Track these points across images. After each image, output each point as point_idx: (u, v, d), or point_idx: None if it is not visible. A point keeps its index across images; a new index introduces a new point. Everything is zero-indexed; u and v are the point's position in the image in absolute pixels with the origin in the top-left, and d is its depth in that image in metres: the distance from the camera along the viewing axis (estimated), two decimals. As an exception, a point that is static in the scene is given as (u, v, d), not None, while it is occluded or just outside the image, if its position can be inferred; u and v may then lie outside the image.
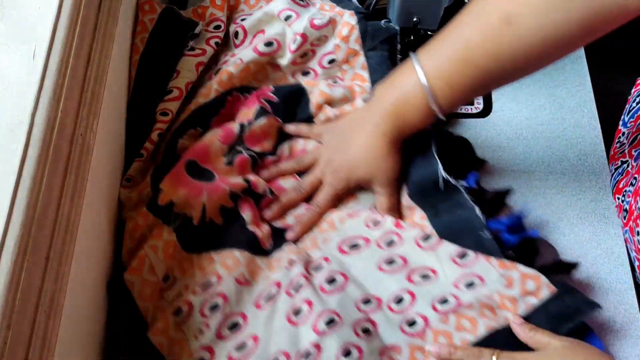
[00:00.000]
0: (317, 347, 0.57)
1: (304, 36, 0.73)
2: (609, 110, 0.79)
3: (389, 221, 0.65)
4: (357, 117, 0.68)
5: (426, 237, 0.64)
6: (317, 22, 0.74)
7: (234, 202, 0.67)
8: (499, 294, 0.59)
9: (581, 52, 0.80)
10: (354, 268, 0.63)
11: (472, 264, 0.61)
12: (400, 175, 0.67)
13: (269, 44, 0.73)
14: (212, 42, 0.74)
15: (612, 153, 0.76)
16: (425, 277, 0.62)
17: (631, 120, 0.75)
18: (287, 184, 0.70)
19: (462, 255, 0.61)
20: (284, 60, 0.74)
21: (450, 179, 0.65)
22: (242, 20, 0.76)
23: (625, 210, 0.68)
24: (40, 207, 0.45)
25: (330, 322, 0.58)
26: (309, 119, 0.73)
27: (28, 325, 0.43)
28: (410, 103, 0.62)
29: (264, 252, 0.66)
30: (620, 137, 0.76)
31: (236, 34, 0.75)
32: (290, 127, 0.72)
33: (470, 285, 0.60)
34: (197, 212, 0.65)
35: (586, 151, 0.73)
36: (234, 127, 0.70)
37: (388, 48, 0.76)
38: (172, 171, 0.66)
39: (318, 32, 0.74)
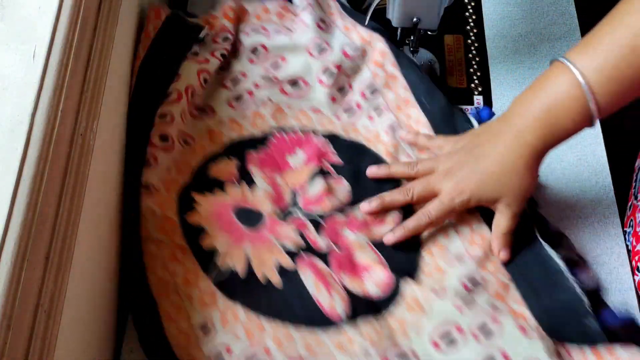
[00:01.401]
0: None
1: (339, 67, 0.73)
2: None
3: (481, 300, 0.59)
4: (491, 129, 0.61)
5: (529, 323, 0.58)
6: (350, 52, 0.73)
7: (292, 261, 0.61)
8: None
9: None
10: None
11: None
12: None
13: (294, 83, 0.73)
14: (217, 53, 0.73)
15: None
16: None
17: None
18: (357, 239, 0.63)
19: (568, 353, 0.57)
20: (321, 96, 0.72)
21: (557, 260, 0.61)
22: (259, 34, 0.74)
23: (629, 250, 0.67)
24: (40, 207, 0.45)
25: None
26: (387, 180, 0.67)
27: (28, 325, 0.43)
28: (562, 107, 0.56)
29: (331, 323, 0.58)
30: None
31: (255, 50, 0.74)
32: (407, 137, 0.67)
33: None
34: (242, 265, 0.61)
35: (586, 151, 0.73)
36: (286, 194, 0.66)
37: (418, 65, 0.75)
38: (215, 208, 0.63)
39: (351, 62, 0.73)
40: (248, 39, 0.75)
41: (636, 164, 0.75)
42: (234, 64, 0.74)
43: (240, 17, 0.77)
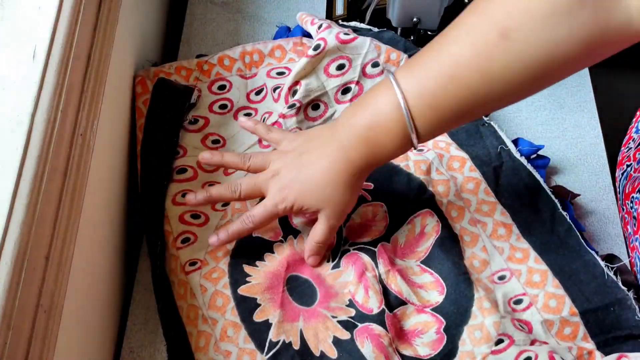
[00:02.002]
0: None
1: (360, 85, 0.73)
2: (609, 110, 0.79)
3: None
4: (321, 135, 0.60)
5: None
6: (368, 70, 0.73)
7: (349, 332, 0.59)
8: None
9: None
10: None
11: None
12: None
13: (316, 107, 0.72)
14: (215, 106, 0.72)
15: (619, 159, 0.75)
16: None
17: None
18: (407, 264, 0.63)
19: None
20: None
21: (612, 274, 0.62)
22: (283, 76, 0.74)
23: (635, 217, 0.67)
24: (40, 207, 0.45)
25: None
26: (420, 192, 0.67)
27: (28, 325, 0.43)
28: (383, 127, 0.54)
29: None
30: (630, 143, 0.75)
31: (276, 89, 0.73)
32: (247, 123, 0.66)
33: None
34: (296, 339, 0.59)
35: (586, 151, 0.73)
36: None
37: None
38: (268, 280, 0.61)
39: (372, 82, 0.73)
40: (271, 81, 0.74)
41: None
42: (261, 109, 0.73)
43: (255, 61, 0.76)
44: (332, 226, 0.60)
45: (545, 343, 0.58)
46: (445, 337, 0.59)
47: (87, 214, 0.54)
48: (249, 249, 0.64)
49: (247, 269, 0.63)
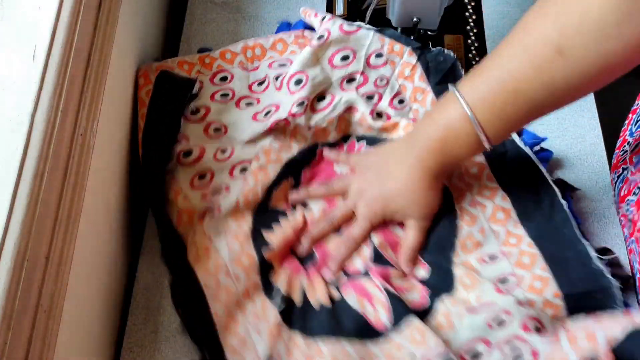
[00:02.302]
0: None
1: (364, 75, 0.73)
2: (609, 110, 0.79)
3: (515, 323, 0.58)
4: (397, 150, 0.66)
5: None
6: (372, 61, 0.74)
7: (338, 290, 0.64)
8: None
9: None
10: None
11: None
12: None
13: (321, 98, 0.73)
14: (217, 96, 0.72)
15: (614, 162, 0.75)
16: None
17: (638, 130, 0.75)
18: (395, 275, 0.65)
19: None
20: (353, 97, 0.73)
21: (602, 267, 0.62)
22: (284, 66, 0.75)
23: (630, 220, 0.67)
24: (40, 207, 0.45)
25: None
26: None
27: (28, 325, 0.43)
28: (455, 138, 0.60)
29: (379, 334, 0.60)
30: (625, 146, 0.75)
31: (278, 77, 0.74)
32: (330, 154, 0.71)
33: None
34: (298, 294, 0.63)
35: (586, 151, 0.73)
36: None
37: (453, 78, 0.75)
38: (282, 245, 0.65)
39: (376, 72, 0.74)
40: (273, 72, 0.75)
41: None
42: (263, 99, 0.74)
43: (257, 55, 0.76)
44: (422, 227, 0.65)
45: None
46: (429, 300, 0.63)
47: (87, 214, 0.54)
48: (265, 217, 0.67)
49: (265, 234, 0.66)
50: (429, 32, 0.79)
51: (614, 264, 0.64)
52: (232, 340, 0.60)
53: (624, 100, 0.83)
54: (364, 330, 0.60)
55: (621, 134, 0.76)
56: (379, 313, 0.61)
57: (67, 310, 0.49)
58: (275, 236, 0.66)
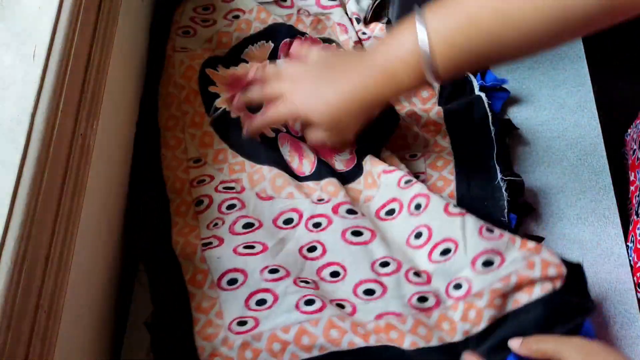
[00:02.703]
0: (315, 284, 0.60)
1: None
2: (609, 110, 0.79)
3: (419, 183, 0.65)
4: (347, 60, 0.65)
5: (455, 205, 0.63)
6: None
7: (274, 133, 0.70)
8: (518, 275, 0.58)
9: (581, 52, 0.80)
10: (387, 233, 0.64)
11: (497, 239, 0.60)
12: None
13: None
14: (198, 19, 0.79)
15: (630, 162, 0.74)
16: (445, 252, 0.60)
17: None
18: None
19: (489, 230, 0.60)
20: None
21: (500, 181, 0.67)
22: None
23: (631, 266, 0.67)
24: (40, 207, 0.45)
25: (334, 274, 0.61)
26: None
27: (28, 325, 0.43)
28: (404, 61, 0.57)
29: (298, 178, 0.68)
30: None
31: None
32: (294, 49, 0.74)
33: (488, 264, 0.59)
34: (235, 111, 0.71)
35: (586, 151, 0.73)
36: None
37: None
38: (233, 76, 0.74)
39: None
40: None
41: (634, 181, 0.74)
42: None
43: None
44: (344, 141, 0.65)
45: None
46: (356, 158, 0.69)
47: (87, 214, 0.54)
48: (231, 61, 0.76)
49: (220, 68, 0.75)
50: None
51: (517, 188, 0.68)
52: (169, 138, 0.70)
53: (623, 99, 0.83)
54: (286, 170, 0.67)
55: (632, 135, 0.75)
56: (303, 166, 0.68)
57: (67, 310, 0.49)
58: (229, 71, 0.75)
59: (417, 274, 0.61)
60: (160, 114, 0.72)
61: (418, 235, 0.62)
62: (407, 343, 0.56)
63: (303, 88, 0.64)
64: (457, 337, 0.57)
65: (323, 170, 0.68)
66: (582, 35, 0.53)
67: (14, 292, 0.42)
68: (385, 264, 0.61)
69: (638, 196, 0.71)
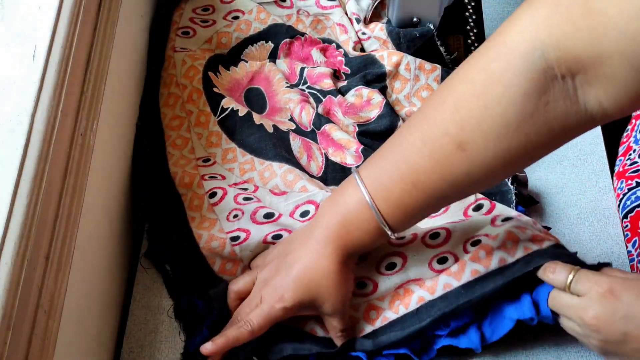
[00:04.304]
0: None
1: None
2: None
3: None
4: (299, 236, 0.59)
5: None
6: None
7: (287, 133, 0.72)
8: (532, 231, 0.59)
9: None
10: None
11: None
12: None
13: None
14: (197, 19, 0.79)
15: (620, 169, 0.75)
16: (478, 208, 0.64)
17: None
18: (344, 120, 0.72)
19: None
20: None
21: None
22: None
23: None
24: (40, 207, 0.45)
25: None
26: (378, 79, 0.75)
27: (28, 325, 0.43)
28: (356, 224, 0.55)
29: (308, 175, 0.69)
30: (631, 154, 0.75)
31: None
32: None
33: (507, 219, 0.61)
34: (243, 108, 0.72)
35: (586, 151, 0.73)
36: (297, 69, 0.76)
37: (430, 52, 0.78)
38: (233, 81, 0.75)
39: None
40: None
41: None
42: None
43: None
44: (340, 314, 0.58)
45: None
46: (362, 157, 0.69)
47: (87, 214, 0.54)
48: (232, 60, 0.77)
49: (221, 69, 0.76)
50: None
51: (521, 183, 0.68)
52: (175, 138, 0.70)
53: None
54: (296, 166, 0.69)
55: (623, 140, 0.76)
56: (310, 167, 0.70)
57: (67, 310, 0.49)
58: (229, 73, 0.76)
59: (435, 235, 0.61)
60: (163, 114, 0.72)
61: None
62: (414, 302, 0.59)
63: (280, 282, 0.57)
64: (465, 279, 0.58)
65: (329, 177, 0.69)
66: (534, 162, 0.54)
67: (14, 292, 0.42)
68: (401, 237, 0.62)
69: (619, 201, 0.72)
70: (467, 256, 0.59)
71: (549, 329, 0.58)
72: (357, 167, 0.58)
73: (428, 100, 0.53)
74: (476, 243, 0.60)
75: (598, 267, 0.56)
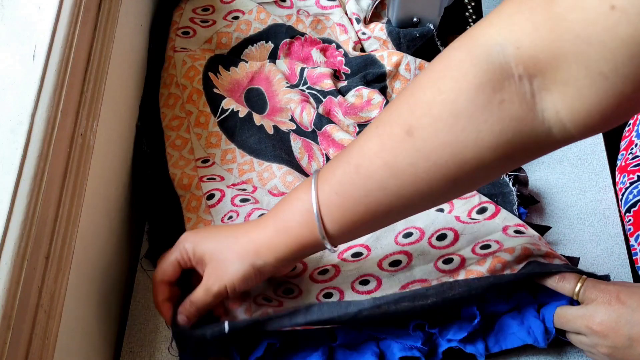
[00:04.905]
0: (337, 268, 0.61)
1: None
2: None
3: None
4: (242, 226, 0.56)
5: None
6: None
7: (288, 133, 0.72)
8: (547, 247, 0.60)
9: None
10: None
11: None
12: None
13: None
14: (197, 19, 0.80)
15: (622, 164, 0.75)
16: (482, 211, 0.63)
17: None
18: (344, 120, 0.72)
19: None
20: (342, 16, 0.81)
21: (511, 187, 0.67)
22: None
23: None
24: (40, 207, 0.45)
25: (357, 255, 0.61)
26: (379, 79, 0.75)
27: (28, 325, 0.43)
28: (296, 227, 0.52)
29: (307, 176, 0.69)
30: (633, 148, 0.75)
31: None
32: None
33: (519, 232, 0.61)
34: (243, 109, 0.72)
35: (586, 151, 0.73)
36: (297, 69, 0.76)
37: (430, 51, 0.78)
38: (233, 83, 0.75)
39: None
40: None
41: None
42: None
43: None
44: (212, 291, 0.55)
45: None
46: None
47: (87, 214, 0.54)
48: (232, 60, 0.77)
49: (221, 69, 0.76)
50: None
51: (522, 183, 0.68)
52: (174, 138, 0.71)
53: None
54: (295, 166, 0.69)
55: (625, 134, 0.76)
56: (311, 167, 0.70)
57: (67, 310, 0.49)
58: (229, 74, 0.76)
59: (441, 236, 0.61)
60: (163, 114, 0.73)
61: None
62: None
63: (212, 264, 0.55)
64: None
65: None
66: (487, 182, 0.51)
67: (14, 292, 0.42)
68: (408, 235, 0.62)
69: (622, 195, 0.72)
70: (475, 259, 0.59)
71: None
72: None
73: (394, 98, 0.51)
74: (485, 247, 0.60)
75: (606, 277, 0.57)
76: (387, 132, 0.47)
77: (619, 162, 0.75)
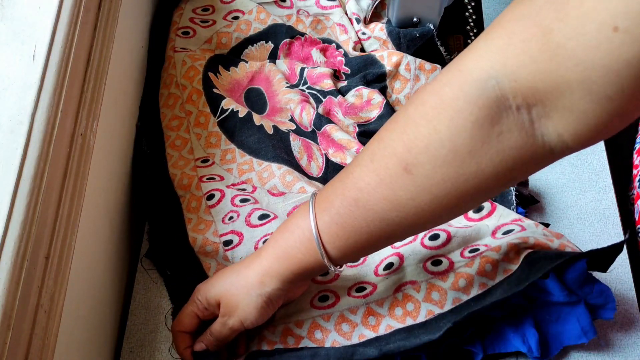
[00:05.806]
0: (334, 279, 0.61)
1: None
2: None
3: None
4: (249, 260, 0.57)
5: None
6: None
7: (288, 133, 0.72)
8: (536, 240, 0.59)
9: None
10: None
11: (523, 220, 0.62)
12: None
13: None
14: (197, 20, 0.80)
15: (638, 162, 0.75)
16: (479, 210, 0.64)
17: None
18: (344, 120, 0.72)
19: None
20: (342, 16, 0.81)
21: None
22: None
23: None
24: (40, 207, 0.45)
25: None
26: (379, 79, 0.75)
27: (28, 325, 0.43)
28: (299, 253, 0.53)
29: (307, 176, 0.69)
30: None
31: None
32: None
33: (508, 232, 0.61)
34: (243, 109, 0.72)
35: (586, 151, 0.73)
36: (297, 69, 0.76)
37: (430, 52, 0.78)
38: (232, 83, 0.75)
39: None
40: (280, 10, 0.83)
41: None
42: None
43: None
44: (227, 325, 0.56)
45: None
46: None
47: (87, 214, 0.54)
48: (232, 60, 0.77)
49: (221, 69, 0.76)
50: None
51: (522, 183, 0.68)
52: (174, 138, 0.71)
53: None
54: (295, 167, 0.69)
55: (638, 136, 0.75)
56: (311, 167, 0.70)
57: (67, 310, 0.49)
58: (229, 74, 0.76)
59: (434, 236, 0.61)
60: (163, 114, 0.73)
61: None
62: (422, 315, 0.58)
63: (226, 295, 0.56)
64: (474, 292, 0.58)
65: (330, 177, 0.68)
66: (488, 199, 0.52)
67: (14, 292, 0.42)
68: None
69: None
70: (463, 262, 0.59)
71: (549, 329, 0.58)
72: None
73: (384, 124, 0.50)
74: (474, 251, 0.60)
75: (602, 250, 0.57)
76: (382, 168, 0.47)
77: (637, 146, 0.75)
